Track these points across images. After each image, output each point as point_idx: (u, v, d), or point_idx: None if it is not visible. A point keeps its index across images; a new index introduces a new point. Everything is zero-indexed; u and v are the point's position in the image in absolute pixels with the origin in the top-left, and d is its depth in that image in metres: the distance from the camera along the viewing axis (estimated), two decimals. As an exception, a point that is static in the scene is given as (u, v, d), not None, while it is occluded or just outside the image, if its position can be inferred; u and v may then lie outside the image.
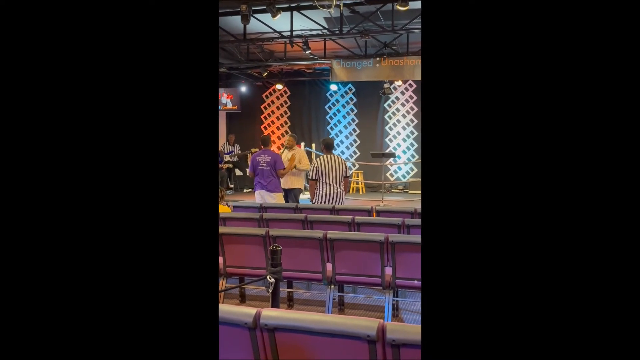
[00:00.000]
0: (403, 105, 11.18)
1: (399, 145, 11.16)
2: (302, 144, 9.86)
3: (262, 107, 12.11)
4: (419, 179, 10.39)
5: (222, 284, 3.58)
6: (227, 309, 1.53)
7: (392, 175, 11.25)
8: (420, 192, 9.81)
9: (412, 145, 11.10)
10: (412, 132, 11.10)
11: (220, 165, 9.92)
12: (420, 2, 6.51)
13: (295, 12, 7.51)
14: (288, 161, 6.16)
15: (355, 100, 11.49)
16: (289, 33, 7.98)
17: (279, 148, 10.22)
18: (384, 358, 1.36)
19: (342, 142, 11.62)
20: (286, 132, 11.50)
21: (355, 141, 11.56)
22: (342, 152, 11.51)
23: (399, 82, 10.49)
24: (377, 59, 8.81)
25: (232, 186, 10.64)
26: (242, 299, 4.16)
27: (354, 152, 11.54)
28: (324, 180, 5.40)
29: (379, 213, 4.68)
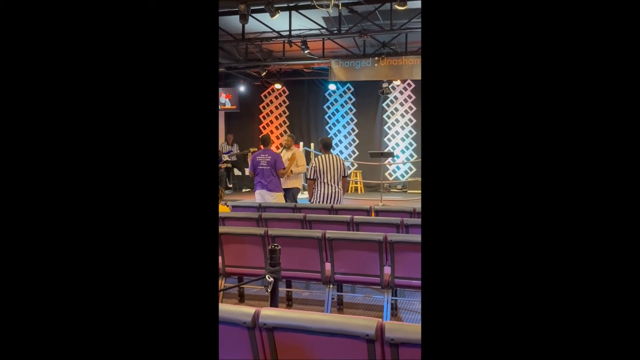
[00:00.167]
0: (401, 104, 11.19)
1: (397, 144, 11.16)
2: (301, 143, 9.86)
3: (260, 106, 12.11)
4: (418, 179, 10.40)
5: (221, 283, 3.58)
6: (226, 309, 1.53)
7: (390, 174, 11.26)
8: (418, 191, 9.86)
9: (411, 144, 11.11)
10: (410, 132, 11.11)
11: (218, 165, 9.92)
12: (418, 1, 6.52)
13: (293, 12, 7.52)
14: (288, 161, 6.17)
15: (353, 99, 11.50)
16: (287, 33, 7.98)
17: (277, 147, 10.22)
18: (383, 357, 1.36)
19: (340, 141, 11.63)
20: (285, 131, 11.50)
21: (353, 141, 11.57)
22: (341, 152, 11.52)
23: (398, 82, 10.50)
24: (376, 58, 8.82)
25: (230, 186, 10.63)
26: (241, 298, 4.16)
27: (353, 152, 11.54)
28: (322, 180, 5.40)
29: (378, 212, 4.68)
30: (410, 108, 11.11)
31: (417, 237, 3.17)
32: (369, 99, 11.15)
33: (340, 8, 6.80)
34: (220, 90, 11.27)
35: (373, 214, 4.66)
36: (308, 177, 5.57)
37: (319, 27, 8.14)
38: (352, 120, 11.56)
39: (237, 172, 10.92)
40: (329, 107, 11.69)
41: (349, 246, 3.30)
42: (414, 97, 11.05)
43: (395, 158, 10.97)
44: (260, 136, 9.95)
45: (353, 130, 11.55)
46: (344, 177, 5.49)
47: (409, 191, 10.52)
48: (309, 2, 6.57)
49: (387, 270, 3.24)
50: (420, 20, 7.17)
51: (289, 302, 4.04)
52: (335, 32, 7.98)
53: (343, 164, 5.49)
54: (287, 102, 11.97)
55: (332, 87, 11.30)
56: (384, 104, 11.25)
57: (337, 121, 11.66)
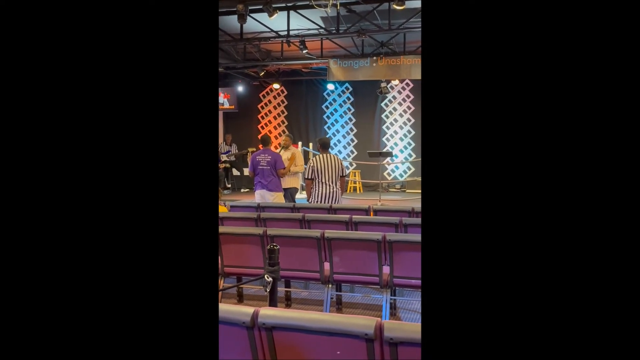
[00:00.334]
0: (400, 104, 11.19)
1: (396, 144, 11.17)
2: (299, 143, 9.86)
3: (259, 106, 12.10)
4: (416, 178, 10.41)
5: (220, 283, 3.58)
6: (225, 309, 1.52)
7: (389, 174, 11.26)
8: (417, 191, 9.87)
9: (410, 144, 11.11)
10: (409, 131, 11.11)
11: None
12: (416, 1, 6.52)
13: (292, 12, 7.51)
14: (288, 161, 6.16)
15: (352, 99, 11.51)
16: (285, 32, 7.97)
17: (275, 147, 10.22)
18: (382, 356, 1.36)
19: (339, 141, 11.63)
20: (283, 131, 11.50)
21: (352, 140, 11.57)
22: (340, 152, 11.52)
23: (396, 82, 10.50)
24: (374, 58, 8.82)
25: (229, 186, 10.63)
26: (240, 298, 4.16)
27: (351, 152, 11.54)
28: (320, 180, 5.39)
29: (377, 212, 4.68)
30: (409, 107, 11.12)
31: (415, 237, 3.17)
32: (367, 98, 11.15)
33: (338, 8, 6.78)
34: (219, 90, 11.26)
35: (372, 213, 4.66)
36: (306, 176, 5.56)
37: (317, 27, 8.14)
38: (350, 120, 11.56)
39: (235, 172, 10.91)
40: (327, 107, 11.69)
41: (348, 246, 3.30)
42: (412, 96, 11.05)
43: (393, 158, 10.98)
44: (259, 136, 9.96)
45: (351, 129, 11.56)
46: (342, 176, 5.49)
47: (407, 191, 10.53)
48: (307, 2, 6.56)
49: (386, 269, 3.24)
50: (418, 19, 7.19)
51: (288, 301, 4.04)
52: (334, 31, 7.98)
53: (341, 164, 5.49)
54: (286, 102, 11.96)
55: (330, 86, 11.30)
56: (382, 104, 11.26)
57: (336, 121, 11.66)
